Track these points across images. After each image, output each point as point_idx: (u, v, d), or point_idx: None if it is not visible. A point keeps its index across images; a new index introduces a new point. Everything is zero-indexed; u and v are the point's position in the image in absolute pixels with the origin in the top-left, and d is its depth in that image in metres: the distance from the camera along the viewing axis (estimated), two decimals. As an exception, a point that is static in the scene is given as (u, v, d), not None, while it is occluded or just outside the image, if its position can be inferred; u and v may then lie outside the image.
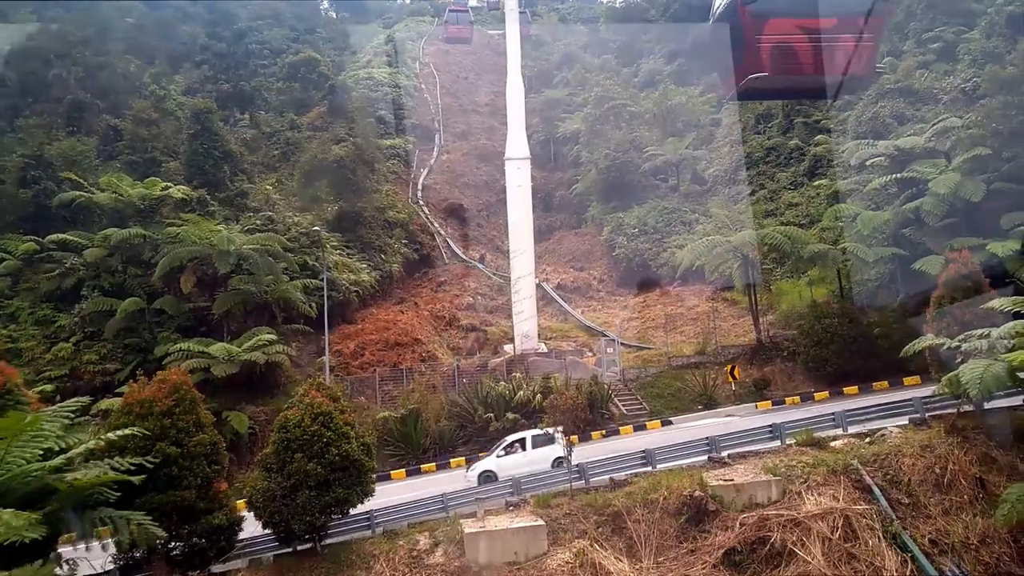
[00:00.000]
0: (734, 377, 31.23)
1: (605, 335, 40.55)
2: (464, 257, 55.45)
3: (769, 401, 30.53)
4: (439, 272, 51.38)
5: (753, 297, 33.21)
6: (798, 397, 30.40)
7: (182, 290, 32.41)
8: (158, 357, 31.35)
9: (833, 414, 23.07)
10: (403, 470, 28.50)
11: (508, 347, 37.50)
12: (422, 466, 28.67)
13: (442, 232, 58.67)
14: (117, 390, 30.08)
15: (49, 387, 31.13)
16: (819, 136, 49.41)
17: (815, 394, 30.37)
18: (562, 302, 45.40)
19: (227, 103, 67.06)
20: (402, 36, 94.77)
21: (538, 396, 29.58)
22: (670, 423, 30.04)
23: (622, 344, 38.55)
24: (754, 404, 30.51)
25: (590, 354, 39.48)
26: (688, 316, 41.00)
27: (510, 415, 29.17)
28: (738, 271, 34.43)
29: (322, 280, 36.73)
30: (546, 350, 37.08)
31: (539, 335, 38.20)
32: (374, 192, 53.02)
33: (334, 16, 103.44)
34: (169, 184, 36.89)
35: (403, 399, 31.72)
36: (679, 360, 33.92)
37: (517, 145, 38.30)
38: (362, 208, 47.78)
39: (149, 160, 41.48)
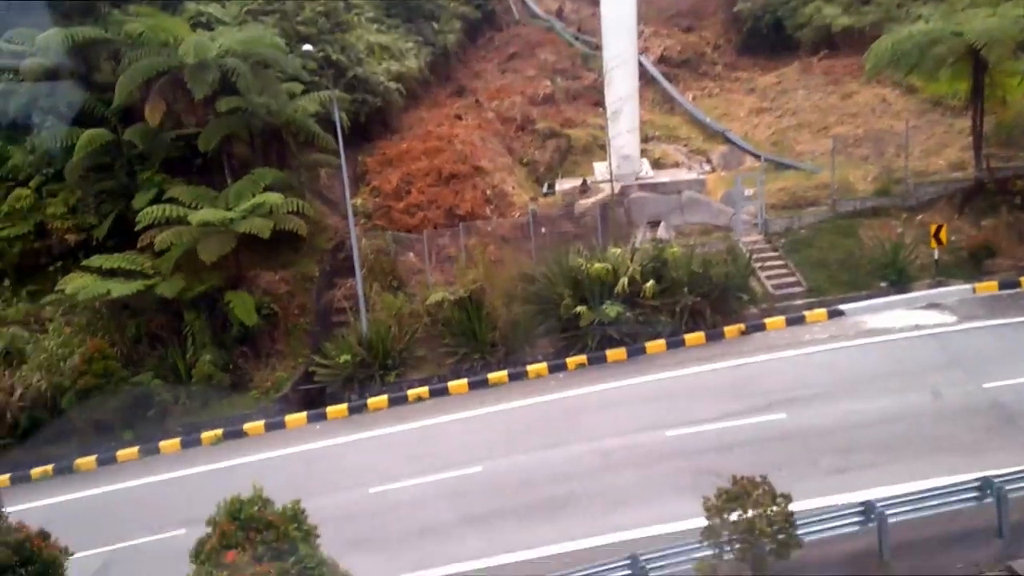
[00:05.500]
0: (940, 241, 19.03)
1: (730, 139, 27.52)
2: (537, 11, 40.54)
3: (995, 281, 18.58)
4: (507, 39, 37.20)
5: (979, 115, 19.49)
6: (1044, 278, 18.34)
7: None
8: (140, 207, 21.19)
9: None
10: (464, 380, 19.00)
11: (600, 170, 25.33)
12: (489, 376, 19.00)
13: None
14: (84, 262, 20.39)
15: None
16: None
17: (1073, 275, 18.22)
18: (668, 85, 31.50)
19: None
20: None
21: (650, 283, 18.51)
22: (840, 313, 18.84)
23: (753, 155, 25.83)
24: (970, 286, 18.68)
25: (708, 166, 27.05)
26: (845, 109, 27.12)
27: (609, 308, 18.52)
28: (955, 70, 20.06)
29: (353, 90, 24.53)
30: (652, 175, 24.83)
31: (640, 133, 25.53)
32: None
33: None
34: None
35: (460, 267, 21.19)
36: (849, 202, 21.41)
37: None
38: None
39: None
